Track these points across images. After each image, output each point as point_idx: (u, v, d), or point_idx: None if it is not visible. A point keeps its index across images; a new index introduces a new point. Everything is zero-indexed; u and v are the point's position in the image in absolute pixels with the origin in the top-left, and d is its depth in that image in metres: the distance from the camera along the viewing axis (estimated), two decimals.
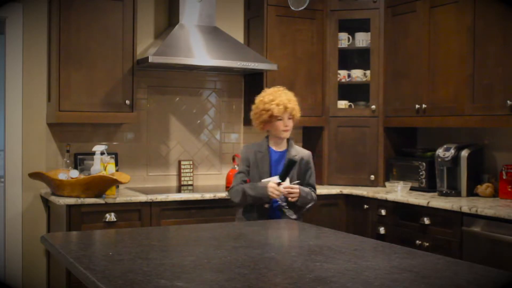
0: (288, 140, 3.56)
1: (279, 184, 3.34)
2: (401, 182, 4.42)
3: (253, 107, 3.56)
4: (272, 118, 3.45)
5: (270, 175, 3.46)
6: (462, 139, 4.42)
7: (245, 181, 3.49)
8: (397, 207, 4.18)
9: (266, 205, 3.42)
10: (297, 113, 3.52)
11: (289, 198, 3.41)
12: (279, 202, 3.42)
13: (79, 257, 2.21)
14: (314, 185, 3.57)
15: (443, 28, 4.28)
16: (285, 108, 3.43)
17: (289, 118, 3.48)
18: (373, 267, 2.16)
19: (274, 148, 3.53)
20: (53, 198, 3.94)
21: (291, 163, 3.37)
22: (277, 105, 3.42)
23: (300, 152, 3.55)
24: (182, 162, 4.77)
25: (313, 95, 4.91)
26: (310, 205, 3.49)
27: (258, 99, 3.55)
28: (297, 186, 3.41)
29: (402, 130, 4.84)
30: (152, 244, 2.53)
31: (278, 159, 3.51)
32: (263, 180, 3.42)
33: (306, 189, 3.46)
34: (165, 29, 4.72)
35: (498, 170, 4.15)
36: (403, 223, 4.12)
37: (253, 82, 4.88)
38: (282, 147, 3.54)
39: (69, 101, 4.12)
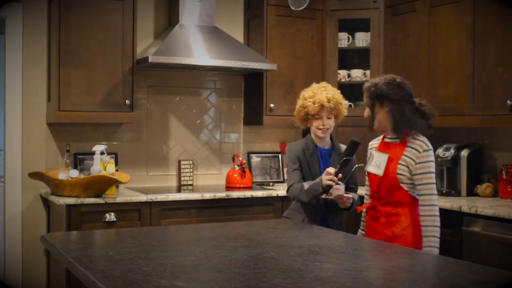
0: (331, 137, 3.39)
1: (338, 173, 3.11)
2: None
3: (297, 102, 3.41)
4: (309, 116, 3.32)
5: (321, 173, 3.24)
6: (462, 139, 4.42)
7: (299, 182, 3.29)
8: None
9: (324, 196, 3.16)
10: (340, 112, 3.33)
11: (340, 205, 3.22)
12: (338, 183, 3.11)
13: (79, 257, 2.21)
14: (357, 184, 3.40)
15: (443, 28, 4.28)
16: (321, 106, 3.25)
17: (329, 118, 3.30)
18: (373, 267, 2.16)
19: (318, 145, 3.35)
20: (53, 198, 3.94)
21: (355, 144, 3.09)
22: (314, 103, 3.26)
23: (342, 147, 3.37)
24: (182, 162, 4.77)
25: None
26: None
27: (301, 93, 3.39)
28: (351, 195, 3.22)
29: None
30: (152, 244, 2.53)
31: (326, 157, 3.36)
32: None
33: (356, 196, 3.28)
34: (165, 29, 4.72)
35: (498, 170, 4.15)
36: None
37: (253, 82, 4.89)
38: (327, 144, 3.38)
39: (69, 101, 4.12)
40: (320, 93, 3.29)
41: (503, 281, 2.02)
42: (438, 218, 2.92)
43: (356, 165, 3.28)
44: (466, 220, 3.67)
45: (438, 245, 2.90)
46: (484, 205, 3.67)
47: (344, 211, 3.34)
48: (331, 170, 3.10)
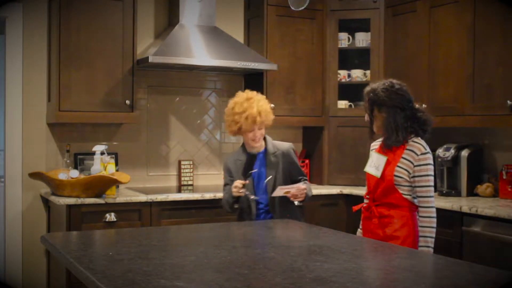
0: (264, 138, 3.54)
1: (244, 181, 3.39)
2: None
3: (226, 112, 3.52)
4: (241, 130, 3.44)
5: (252, 177, 3.47)
6: (462, 139, 4.42)
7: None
8: None
9: (252, 197, 3.41)
10: (269, 122, 3.48)
11: (296, 202, 3.42)
12: (247, 193, 3.40)
13: (79, 257, 2.21)
14: (304, 173, 3.58)
15: (443, 28, 4.28)
16: (254, 122, 3.39)
17: (260, 129, 3.45)
18: (373, 267, 2.16)
19: (252, 152, 3.53)
20: (53, 198, 3.94)
21: (250, 157, 3.41)
22: (246, 118, 3.38)
23: (279, 146, 3.54)
24: (182, 162, 4.77)
25: (313, 95, 4.90)
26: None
27: (230, 106, 3.49)
28: (303, 186, 3.39)
29: None
30: (152, 244, 2.53)
31: (260, 159, 3.52)
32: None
33: (305, 186, 3.44)
34: (165, 29, 4.72)
35: (498, 170, 4.15)
36: None
37: (253, 82, 4.88)
38: (260, 148, 3.53)
39: (69, 101, 4.12)
40: (251, 107, 3.39)
41: (503, 281, 2.02)
42: (435, 220, 2.99)
43: (270, 177, 3.46)
44: (466, 220, 3.67)
45: (433, 245, 2.99)
46: (484, 205, 3.67)
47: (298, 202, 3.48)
48: (238, 183, 3.36)
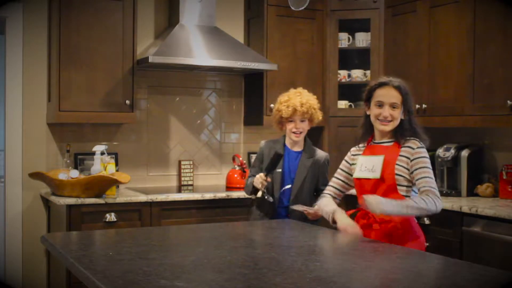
0: (305, 141, 3.54)
1: (266, 176, 3.34)
2: None
3: (274, 106, 3.59)
4: (283, 119, 3.46)
5: (283, 173, 3.45)
6: (462, 139, 4.42)
7: (254, 176, 3.45)
8: None
9: (270, 199, 3.40)
10: (314, 116, 3.47)
11: (310, 217, 3.33)
12: (264, 192, 3.38)
13: (79, 257, 2.21)
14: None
15: (443, 28, 4.28)
16: (294, 110, 3.40)
17: (302, 121, 3.44)
18: (373, 267, 2.16)
19: (290, 147, 3.52)
20: (53, 198, 3.94)
21: (277, 156, 3.33)
22: (287, 106, 3.41)
23: (317, 153, 3.54)
24: (182, 162, 4.77)
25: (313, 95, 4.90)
26: None
27: (278, 98, 3.54)
28: (320, 214, 3.23)
29: None
30: (152, 244, 2.53)
31: (292, 158, 3.50)
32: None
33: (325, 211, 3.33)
34: (165, 29, 4.72)
35: (498, 170, 4.15)
36: None
37: (253, 82, 4.88)
38: (299, 147, 3.53)
39: (69, 101, 4.12)
40: (295, 98, 3.44)
41: (503, 281, 2.02)
42: (433, 208, 2.70)
43: (289, 185, 3.45)
44: (466, 220, 3.67)
45: (408, 211, 2.68)
46: (485, 205, 3.67)
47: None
48: (262, 178, 3.33)
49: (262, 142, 3.63)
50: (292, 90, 3.54)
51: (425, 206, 2.68)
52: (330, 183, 3.15)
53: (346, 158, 3.11)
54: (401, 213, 2.70)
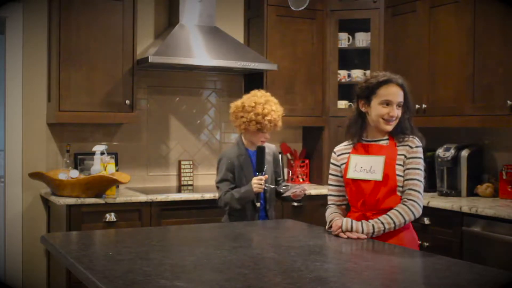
0: None
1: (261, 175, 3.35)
2: None
3: (238, 107, 3.44)
4: (260, 131, 3.41)
5: (253, 174, 3.44)
6: (462, 139, 4.42)
7: (232, 188, 3.44)
8: None
9: (258, 204, 3.40)
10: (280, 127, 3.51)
11: (295, 203, 3.42)
12: (266, 187, 3.39)
13: (79, 257, 2.21)
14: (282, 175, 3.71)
15: (443, 28, 4.28)
16: (275, 126, 3.43)
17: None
18: (373, 267, 2.16)
19: (249, 148, 3.52)
20: (53, 198, 3.94)
21: (260, 150, 3.35)
22: (269, 122, 3.38)
23: (270, 148, 3.58)
24: (182, 162, 4.77)
25: (313, 95, 4.91)
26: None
27: (249, 104, 3.40)
28: (305, 187, 3.40)
29: None
30: (152, 244, 2.53)
31: (254, 158, 3.51)
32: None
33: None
34: (165, 29, 4.72)
35: (498, 170, 4.15)
36: None
37: (253, 82, 4.88)
38: (255, 146, 3.51)
39: (69, 101, 4.12)
40: (273, 111, 3.39)
41: (503, 281, 2.02)
42: (412, 217, 2.70)
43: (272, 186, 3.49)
44: (466, 220, 3.67)
45: (387, 227, 2.67)
46: (484, 205, 3.67)
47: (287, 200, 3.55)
48: (260, 177, 3.32)
49: (224, 155, 3.54)
50: (261, 97, 3.42)
51: (403, 220, 2.68)
52: (329, 192, 3.01)
53: (332, 161, 2.97)
54: (381, 231, 2.67)
